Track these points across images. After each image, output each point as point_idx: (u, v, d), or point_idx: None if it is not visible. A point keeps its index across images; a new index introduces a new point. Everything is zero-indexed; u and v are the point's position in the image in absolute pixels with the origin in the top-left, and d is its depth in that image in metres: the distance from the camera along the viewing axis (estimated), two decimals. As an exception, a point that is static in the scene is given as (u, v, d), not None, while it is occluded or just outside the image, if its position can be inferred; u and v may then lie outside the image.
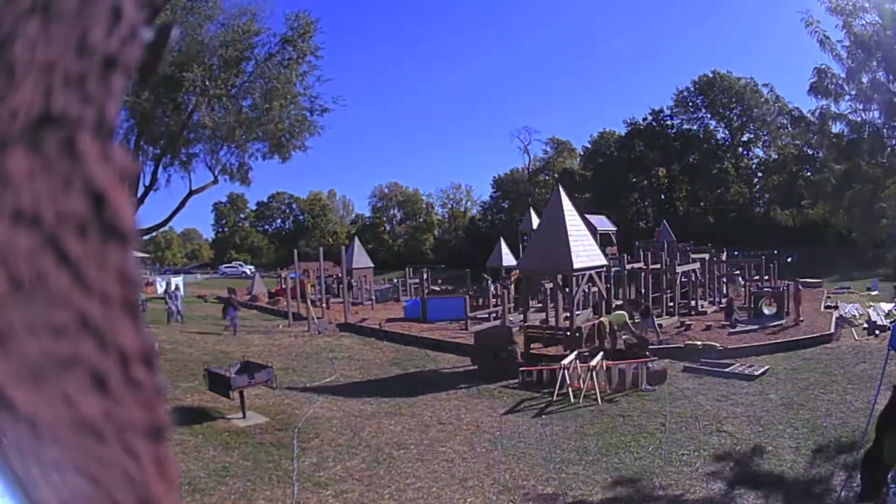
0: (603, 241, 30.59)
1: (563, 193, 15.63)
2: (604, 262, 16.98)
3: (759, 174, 64.66)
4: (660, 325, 17.02)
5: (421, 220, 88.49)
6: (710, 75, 64.27)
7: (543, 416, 11.14)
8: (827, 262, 41.76)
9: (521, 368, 13.49)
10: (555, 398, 11.98)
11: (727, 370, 13.50)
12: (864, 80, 13.50)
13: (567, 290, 15.60)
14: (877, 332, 16.35)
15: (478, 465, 8.86)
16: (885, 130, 13.48)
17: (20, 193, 0.31)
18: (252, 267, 69.97)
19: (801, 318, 18.72)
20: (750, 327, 18.07)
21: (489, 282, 24.44)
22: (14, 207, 0.31)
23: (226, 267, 71.73)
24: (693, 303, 22.00)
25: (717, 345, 15.37)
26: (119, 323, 0.31)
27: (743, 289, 25.64)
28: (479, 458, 9.14)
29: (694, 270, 22.23)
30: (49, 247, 0.31)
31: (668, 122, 67.92)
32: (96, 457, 0.30)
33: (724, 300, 22.70)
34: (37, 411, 0.30)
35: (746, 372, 13.36)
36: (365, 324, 21.98)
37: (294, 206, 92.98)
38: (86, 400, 0.30)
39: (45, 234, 0.30)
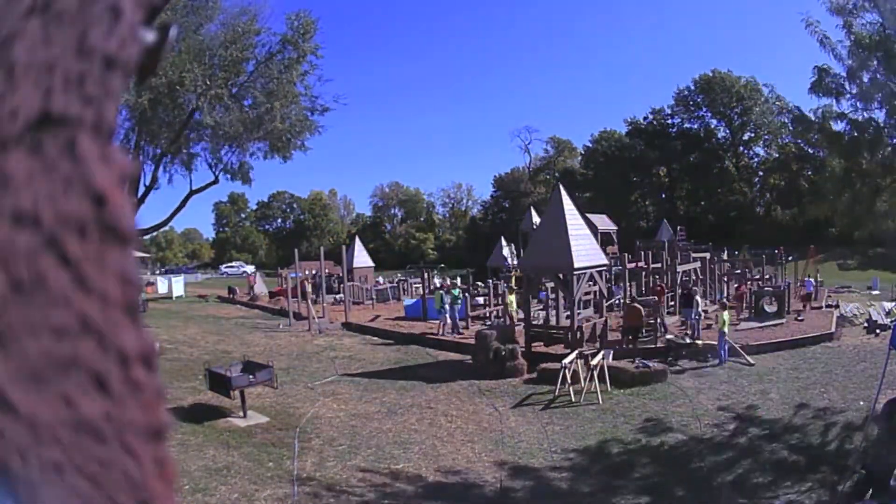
0: (604, 240, 30.58)
1: (563, 193, 15.62)
2: (604, 261, 16.97)
3: (760, 173, 64.70)
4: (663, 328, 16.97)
5: (422, 219, 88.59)
6: (711, 74, 64.29)
7: (545, 416, 11.15)
8: (825, 257, 41.90)
9: (540, 366, 13.60)
10: (555, 396, 11.99)
11: (728, 369, 13.50)
12: (865, 78, 13.49)
13: (568, 289, 15.59)
14: (877, 331, 16.34)
15: (480, 464, 8.86)
16: (885, 129, 13.47)
17: (20, 194, 0.31)
18: (253, 267, 69.99)
19: (802, 318, 18.75)
20: (752, 324, 18.09)
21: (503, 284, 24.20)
22: (14, 208, 0.31)
23: (226, 267, 71.78)
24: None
25: (683, 336, 15.44)
26: (119, 324, 0.31)
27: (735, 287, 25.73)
28: (481, 457, 9.15)
29: (695, 269, 22.22)
30: (49, 248, 0.30)
31: (669, 122, 68.00)
32: (96, 457, 0.30)
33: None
34: (37, 412, 0.30)
35: (748, 371, 13.35)
36: (372, 323, 21.98)
37: (295, 205, 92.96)
38: (86, 401, 0.30)
39: (45, 235, 0.30)
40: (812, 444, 9.26)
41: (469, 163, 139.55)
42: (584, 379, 12.21)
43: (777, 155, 61.20)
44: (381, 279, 36.36)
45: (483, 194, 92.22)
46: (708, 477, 8.25)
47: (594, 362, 12.43)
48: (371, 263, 33.61)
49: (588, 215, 28.81)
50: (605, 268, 16.97)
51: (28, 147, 0.32)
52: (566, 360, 12.40)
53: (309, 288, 24.84)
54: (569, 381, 12.08)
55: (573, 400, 11.74)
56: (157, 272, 52.31)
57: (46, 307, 0.30)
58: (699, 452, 9.16)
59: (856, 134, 13.81)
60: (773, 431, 9.86)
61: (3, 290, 0.30)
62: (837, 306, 21.11)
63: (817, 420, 10.15)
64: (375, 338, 19.82)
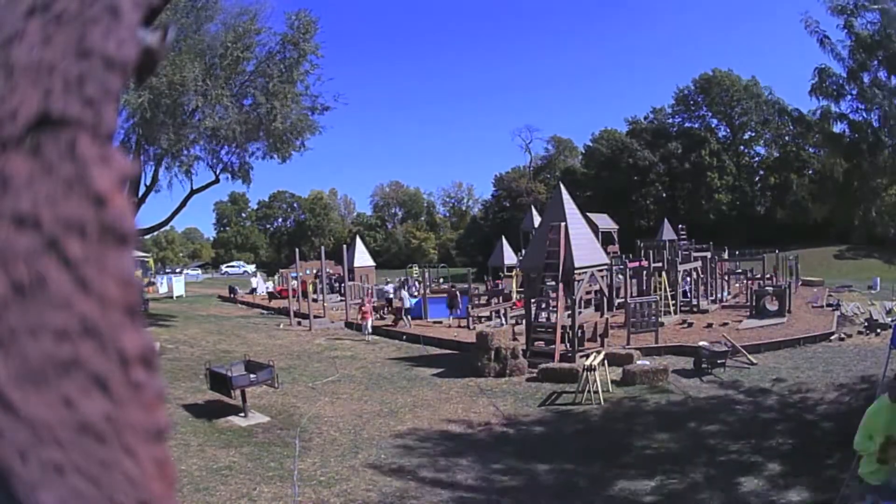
0: (605, 239, 30.58)
1: (564, 192, 15.62)
2: (605, 260, 16.98)
3: (761, 172, 64.64)
4: (661, 324, 16.95)
5: (422, 218, 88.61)
6: (711, 73, 64.26)
7: (546, 414, 11.15)
8: (826, 259, 41.97)
9: (541, 365, 13.58)
10: (557, 397, 12.00)
11: (729, 368, 13.50)
12: (865, 79, 13.45)
13: (569, 288, 15.59)
14: (878, 330, 16.33)
15: (481, 464, 8.86)
16: (884, 130, 13.43)
17: (20, 196, 0.31)
18: (253, 266, 70.03)
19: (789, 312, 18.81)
20: (753, 323, 18.09)
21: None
22: (14, 210, 0.31)
23: (227, 266, 71.85)
24: (695, 301, 21.99)
25: (721, 343, 15.35)
26: (119, 325, 0.31)
27: (737, 285, 25.76)
28: (482, 457, 9.14)
29: (696, 269, 22.22)
30: (49, 249, 0.31)
31: (670, 121, 68.00)
32: (97, 458, 0.30)
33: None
34: (38, 413, 0.30)
35: (748, 370, 13.35)
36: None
37: (296, 205, 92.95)
38: (86, 402, 0.30)
39: (45, 236, 0.31)
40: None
41: (470, 162, 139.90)
42: (583, 379, 12.20)
43: (777, 154, 61.11)
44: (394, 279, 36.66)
45: (484, 193, 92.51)
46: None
47: (595, 361, 12.42)
48: (372, 263, 33.65)
49: (589, 214, 28.82)
50: (605, 267, 16.97)
51: (28, 149, 0.32)
52: (591, 361, 12.23)
53: (311, 288, 24.89)
54: (584, 379, 11.98)
55: (576, 399, 11.74)
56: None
57: (47, 309, 0.30)
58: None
59: (856, 136, 13.76)
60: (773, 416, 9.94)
61: (5, 291, 0.31)
62: (839, 306, 21.10)
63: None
64: (376, 337, 19.82)
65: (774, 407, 10.97)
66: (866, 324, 17.28)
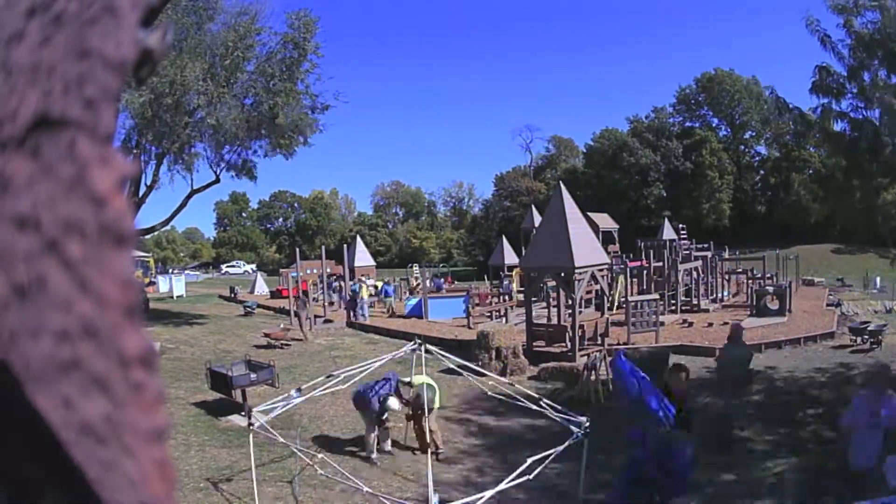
0: (605, 238, 30.55)
1: (564, 192, 15.61)
2: (606, 259, 16.96)
3: (762, 171, 64.67)
4: (661, 324, 16.94)
5: (423, 218, 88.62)
6: (713, 73, 64.27)
7: (546, 415, 11.13)
8: (826, 257, 42.00)
9: (542, 364, 13.61)
10: (559, 395, 11.97)
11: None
12: (866, 78, 13.45)
13: (570, 288, 15.58)
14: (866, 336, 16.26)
15: (482, 464, 8.86)
16: (885, 129, 13.41)
17: (20, 197, 0.31)
18: (254, 266, 70.06)
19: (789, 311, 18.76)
20: (754, 322, 18.06)
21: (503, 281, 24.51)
22: (14, 211, 0.31)
23: (228, 266, 71.88)
24: (695, 301, 21.97)
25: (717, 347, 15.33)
26: (119, 326, 0.31)
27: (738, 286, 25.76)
28: (483, 457, 9.15)
29: (696, 268, 22.21)
30: (49, 250, 0.31)
31: (671, 120, 68.00)
32: (97, 459, 0.30)
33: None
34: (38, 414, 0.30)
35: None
36: (373, 322, 21.98)
37: (297, 204, 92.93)
38: (86, 403, 0.30)
39: (45, 237, 0.31)
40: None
41: (470, 162, 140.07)
42: (584, 378, 12.20)
43: (778, 154, 61.18)
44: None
45: (484, 193, 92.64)
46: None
47: (596, 360, 12.41)
48: (372, 262, 33.65)
49: (589, 214, 28.78)
50: (606, 266, 16.96)
51: (28, 149, 0.32)
52: (591, 360, 12.22)
53: (311, 288, 24.86)
54: (585, 378, 12.00)
55: (575, 399, 11.72)
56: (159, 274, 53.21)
57: (47, 310, 0.30)
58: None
59: (856, 134, 13.76)
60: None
61: (5, 292, 0.31)
62: (839, 304, 21.08)
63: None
64: (376, 336, 19.81)
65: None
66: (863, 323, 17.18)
